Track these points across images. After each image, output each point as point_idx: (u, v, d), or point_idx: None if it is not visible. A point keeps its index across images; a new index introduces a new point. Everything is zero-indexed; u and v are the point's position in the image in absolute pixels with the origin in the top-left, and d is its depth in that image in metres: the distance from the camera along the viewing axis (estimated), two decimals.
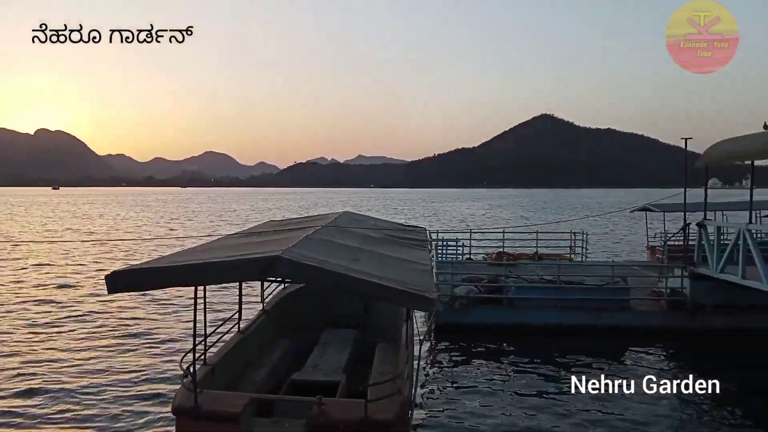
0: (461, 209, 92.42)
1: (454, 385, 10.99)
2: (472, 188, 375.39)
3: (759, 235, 14.52)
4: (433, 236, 19.15)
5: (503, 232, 22.28)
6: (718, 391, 10.83)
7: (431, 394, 10.42)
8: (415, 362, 8.46)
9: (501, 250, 21.29)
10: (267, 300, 10.87)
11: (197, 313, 6.57)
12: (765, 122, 13.24)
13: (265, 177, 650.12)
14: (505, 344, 13.50)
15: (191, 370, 6.41)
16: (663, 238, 20.92)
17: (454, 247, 20.49)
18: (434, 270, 15.73)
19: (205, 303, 7.23)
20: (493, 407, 9.80)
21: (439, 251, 19.00)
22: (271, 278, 6.64)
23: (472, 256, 21.18)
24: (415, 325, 10.18)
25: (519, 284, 15.13)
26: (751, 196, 14.06)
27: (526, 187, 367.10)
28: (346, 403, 6.43)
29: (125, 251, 32.31)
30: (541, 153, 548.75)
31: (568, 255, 21.46)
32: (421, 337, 9.56)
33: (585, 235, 21.63)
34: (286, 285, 11.51)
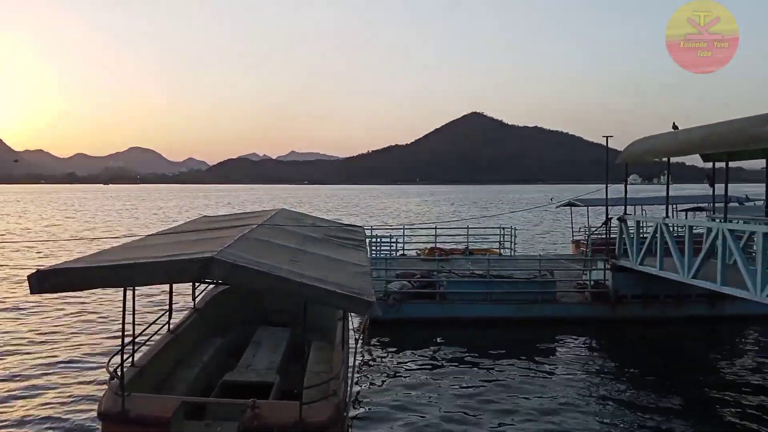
0: (395, 205, 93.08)
1: (389, 380, 11.07)
2: (405, 185, 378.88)
3: (675, 229, 15.36)
4: (367, 233, 19.22)
5: (435, 228, 22.59)
6: (638, 376, 11.45)
7: (366, 392, 10.45)
8: (350, 360, 8.47)
9: (434, 245, 21.61)
10: (198, 298, 10.61)
11: (125, 314, 6.36)
12: (673, 123, 14.07)
13: (194, 174, 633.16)
14: (437, 338, 13.72)
15: (118, 372, 6.19)
16: (587, 232, 21.79)
17: (388, 244, 20.65)
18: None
19: (134, 302, 6.99)
20: (427, 402, 9.94)
21: (373, 248, 19.10)
22: (205, 281, 6.49)
23: (405, 252, 21.39)
24: (351, 324, 10.19)
25: (451, 279, 15.45)
26: (668, 191, 14.80)
27: (457, 184, 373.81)
28: (280, 406, 6.36)
29: (41, 253, 30.72)
30: (471, 150, 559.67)
31: (498, 249, 22.04)
32: (356, 335, 9.58)
33: (513, 230, 22.27)
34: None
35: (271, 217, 10.49)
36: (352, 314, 10.14)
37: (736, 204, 20.03)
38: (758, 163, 14.23)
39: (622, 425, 9.10)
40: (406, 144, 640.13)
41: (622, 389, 10.70)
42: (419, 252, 21.55)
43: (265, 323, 10.56)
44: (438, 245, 21.69)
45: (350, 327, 9.74)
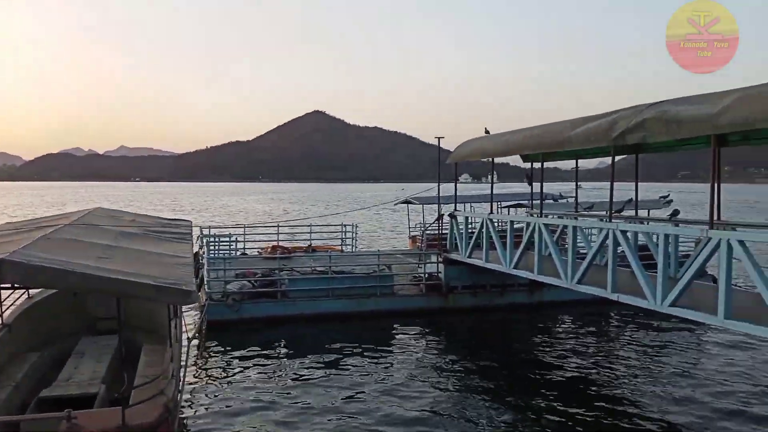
0: (236, 204, 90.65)
1: (227, 380, 10.83)
2: (247, 182, 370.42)
3: (499, 224, 16.61)
4: (205, 232, 18.55)
5: (278, 226, 22.38)
6: (469, 361, 12.26)
7: (203, 392, 10.14)
8: (186, 362, 8.17)
9: (276, 243, 21.39)
10: (8, 312, 9.55)
11: None
12: (485, 128, 15.32)
13: (6, 170, 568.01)
14: (279, 336, 13.66)
15: None
16: (422, 228, 22.84)
17: (227, 243, 20.08)
18: (206, 265, 15.26)
19: None
20: (266, 399, 9.85)
21: (212, 247, 18.46)
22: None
23: (246, 251, 20.95)
24: (184, 324, 9.83)
25: (292, 276, 15.42)
26: (492, 189, 15.93)
27: (300, 181, 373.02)
28: (102, 413, 6.06)
29: None
30: (314, 148, 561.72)
31: (340, 246, 22.37)
32: (190, 335, 9.25)
33: (355, 227, 22.74)
34: (32, 294, 10.27)
35: (82, 216, 9.81)
36: (189, 316, 9.73)
37: (552, 201, 22.10)
38: (572, 164, 15.79)
39: (455, 408, 9.68)
40: (248, 140, 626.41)
41: (456, 374, 11.40)
42: (261, 251, 21.22)
43: (91, 332, 9.83)
44: (281, 243, 21.51)
45: (184, 327, 9.40)
